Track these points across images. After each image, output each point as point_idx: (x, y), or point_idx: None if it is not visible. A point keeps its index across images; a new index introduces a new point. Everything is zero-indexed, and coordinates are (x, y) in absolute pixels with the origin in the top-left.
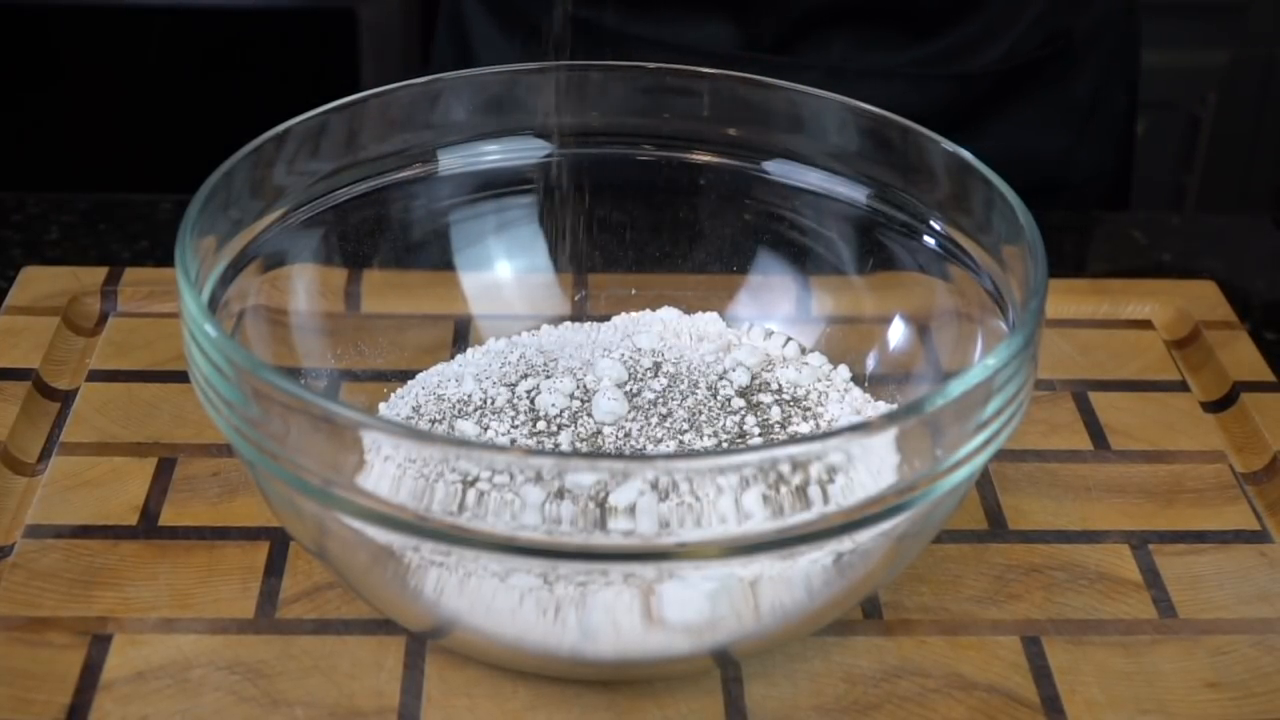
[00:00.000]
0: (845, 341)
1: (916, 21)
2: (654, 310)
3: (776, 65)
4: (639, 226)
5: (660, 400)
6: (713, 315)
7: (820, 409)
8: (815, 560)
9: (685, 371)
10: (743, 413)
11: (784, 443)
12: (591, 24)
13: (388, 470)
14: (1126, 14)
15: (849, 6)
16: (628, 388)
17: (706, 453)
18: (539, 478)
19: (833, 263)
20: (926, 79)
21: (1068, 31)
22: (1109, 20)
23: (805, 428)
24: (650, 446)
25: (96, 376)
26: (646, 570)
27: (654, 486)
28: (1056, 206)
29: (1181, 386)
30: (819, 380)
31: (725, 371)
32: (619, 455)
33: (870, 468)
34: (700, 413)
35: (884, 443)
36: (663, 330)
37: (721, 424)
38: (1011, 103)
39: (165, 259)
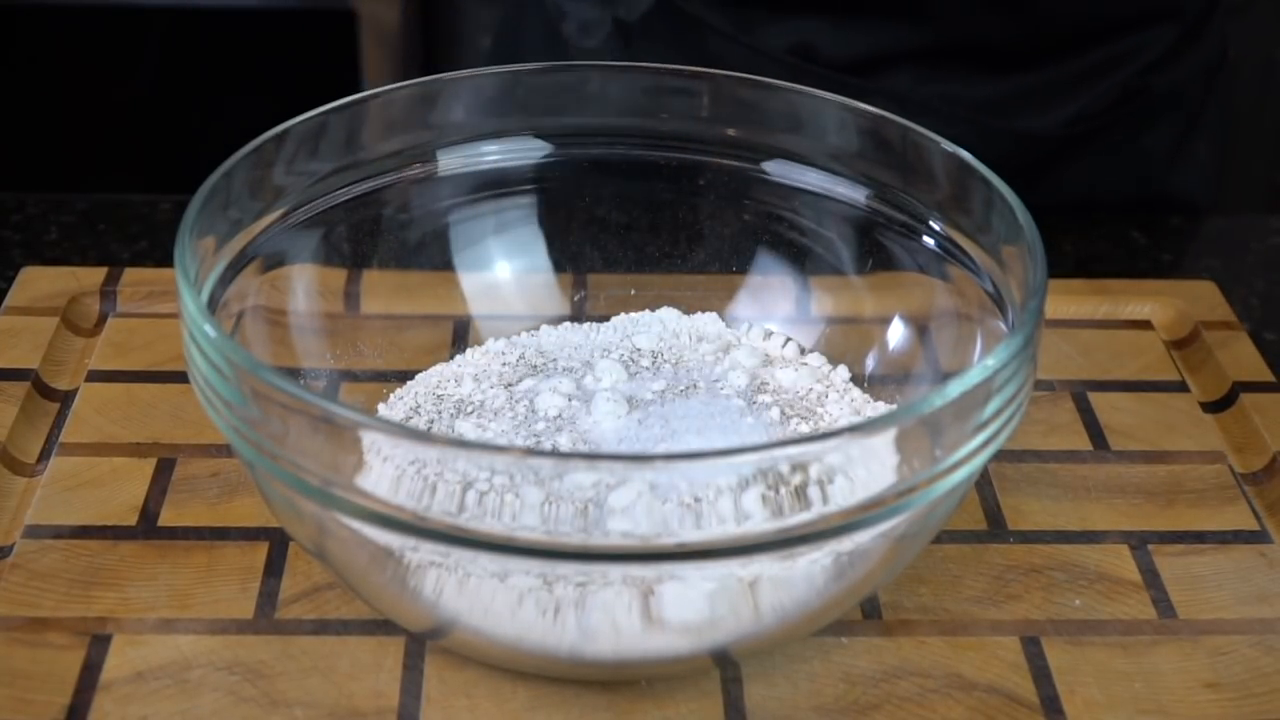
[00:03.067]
0: (845, 342)
1: (986, 64)
2: (653, 310)
3: (844, 85)
4: (639, 227)
5: (660, 400)
6: (712, 315)
7: (820, 409)
8: (814, 560)
9: (685, 372)
10: (742, 413)
11: (783, 443)
12: (674, 7)
13: (387, 471)
14: (1217, 69)
15: (922, 40)
16: (627, 388)
17: (705, 453)
18: (538, 478)
19: (832, 263)
20: (988, 130)
21: (1146, 88)
22: (1195, 76)
23: (804, 428)
24: (650, 447)
25: (96, 377)
26: (646, 571)
27: (653, 487)
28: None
29: (1181, 387)
30: (818, 380)
31: (724, 372)
32: (618, 455)
33: (869, 468)
34: (700, 413)
35: (883, 443)
36: (662, 331)
37: (721, 424)
38: (1080, 159)
39: (165, 259)
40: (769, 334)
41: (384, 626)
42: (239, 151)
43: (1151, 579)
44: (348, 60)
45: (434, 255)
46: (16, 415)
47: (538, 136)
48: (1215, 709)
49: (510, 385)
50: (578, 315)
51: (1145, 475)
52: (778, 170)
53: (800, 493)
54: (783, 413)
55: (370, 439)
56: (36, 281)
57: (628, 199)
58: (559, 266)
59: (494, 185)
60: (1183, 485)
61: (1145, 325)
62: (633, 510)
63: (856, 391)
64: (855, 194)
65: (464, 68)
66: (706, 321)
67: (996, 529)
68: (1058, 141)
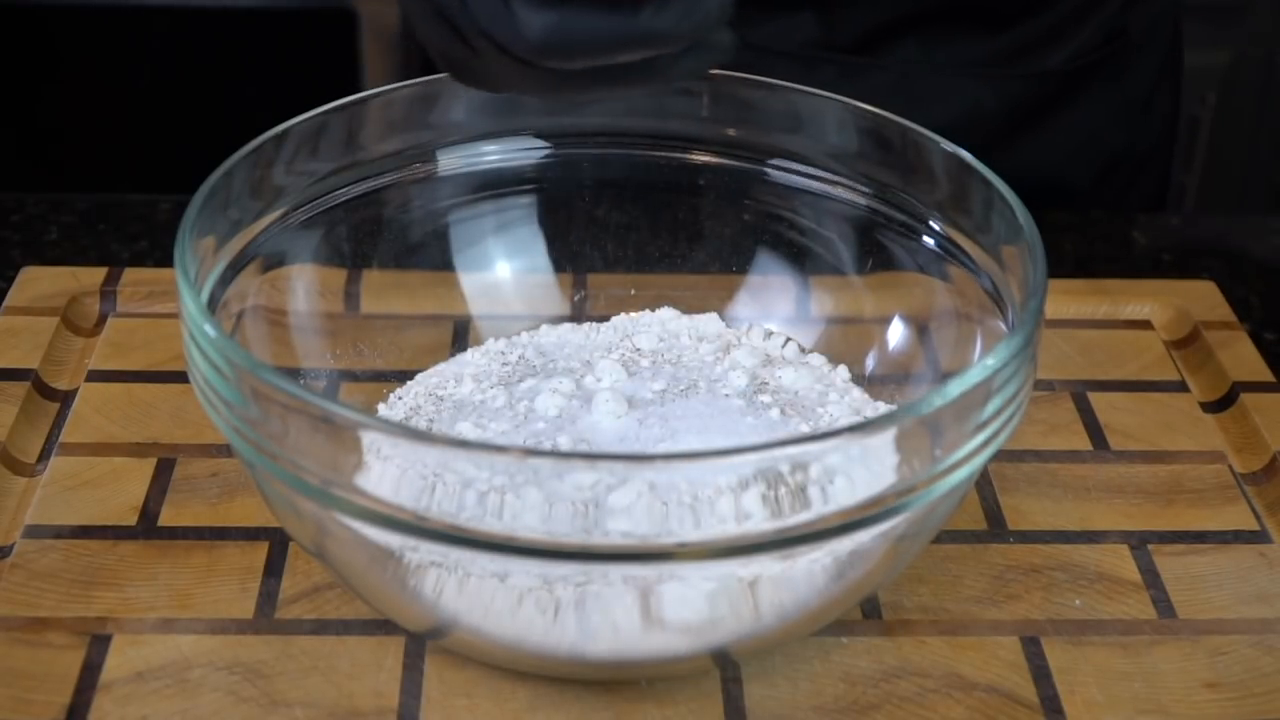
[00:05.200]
0: (845, 342)
1: (989, 21)
2: (653, 311)
3: (853, 65)
4: (639, 226)
5: (660, 400)
6: (712, 315)
7: (820, 409)
8: (814, 560)
9: (685, 372)
10: (742, 413)
11: (783, 443)
12: None
13: (387, 471)
14: (1175, 11)
15: (926, 8)
16: (627, 388)
17: (705, 453)
18: (538, 478)
19: (832, 263)
20: (997, 78)
21: (1125, 30)
22: (1162, 17)
23: (805, 428)
24: (650, 447)
25: (96, 377)
26: (646, 571)
27: (653, 487)
28: (1109, 201)
29: (1181, 387)
30: (818, 380)
31: (725, 372)
32: (618, 455)
33: (869, 468)
34: (700, 413)
35: (883, 443)
36: (662, 331)
37: (721, 424)
38: (1074, 101)
39: (164, 259)
40: (769, 334)
41: (384, 626)
42: (239, 151)
43: (1151, 579)
44: (348, 60)
45: (434, 255)
46: (16, 415)
47: (538, 136)
48: (1215, 709)
49: (510, 385)
50: (578, 315)
51: (1145, 475)
52: (778, 170)
53: (800, 493)
54: (783, 413)
55: (370, 439)
56: (36, 281)
57: (628, 199)
58: (559, 266)
59: (494, 185)
60: (1183, 485)
61: (1145, 325)
62: (633, 510)
63: (856, 391)
64: (855, 194)
65: None
66: (706, 321)
67: (996, 529)
68: (1063, 78)
